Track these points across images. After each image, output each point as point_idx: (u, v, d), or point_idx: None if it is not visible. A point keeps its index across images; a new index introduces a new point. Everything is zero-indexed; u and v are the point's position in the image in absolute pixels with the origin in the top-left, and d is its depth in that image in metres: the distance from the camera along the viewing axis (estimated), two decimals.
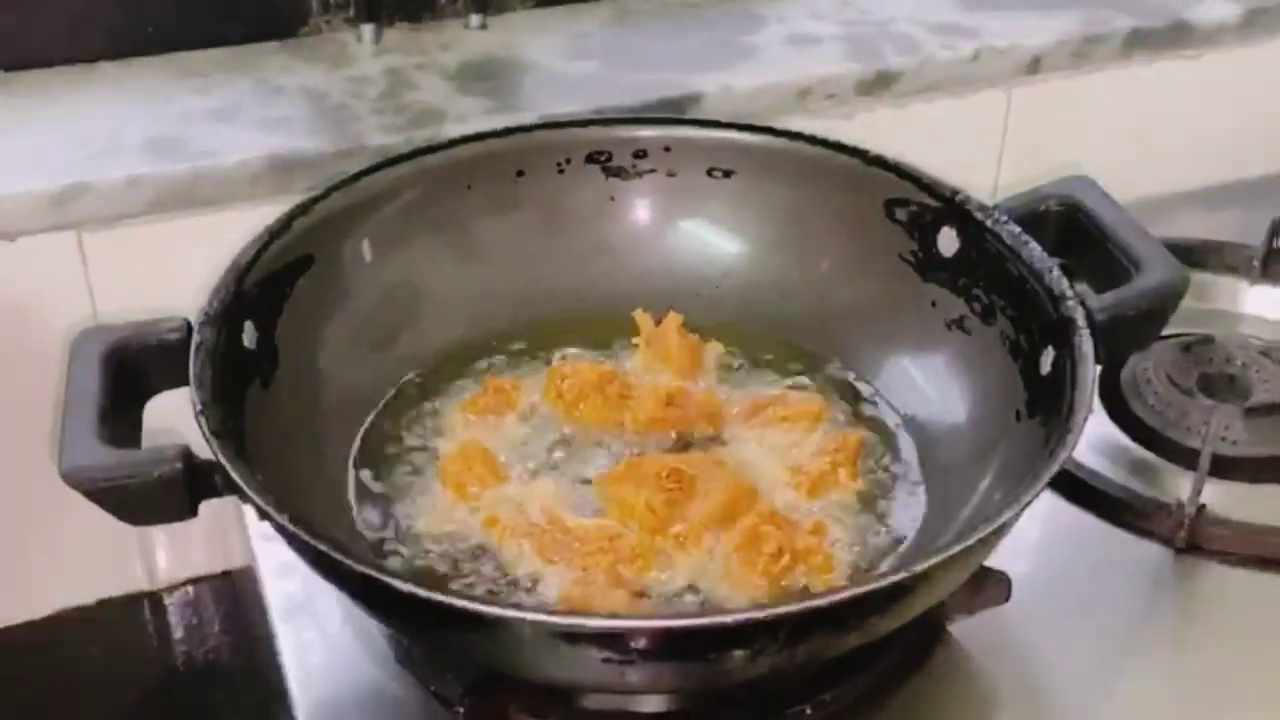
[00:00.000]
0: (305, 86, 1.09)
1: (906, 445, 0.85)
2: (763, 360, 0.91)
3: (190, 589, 1.14)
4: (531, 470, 0.83)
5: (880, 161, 0.90)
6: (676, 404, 0.84)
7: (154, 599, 1.13)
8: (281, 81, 1.09)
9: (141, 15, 1.10)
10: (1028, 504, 0.67)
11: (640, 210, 0.95)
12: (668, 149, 0.94)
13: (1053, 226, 0.86)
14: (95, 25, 1.09)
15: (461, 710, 0.73)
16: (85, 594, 1.10)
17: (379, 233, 0.89)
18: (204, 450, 0.71)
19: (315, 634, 0.82)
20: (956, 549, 0.65)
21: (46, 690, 1.08)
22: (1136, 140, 1.23)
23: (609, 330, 0.92)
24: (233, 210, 1.00)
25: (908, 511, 0.82)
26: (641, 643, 0.63)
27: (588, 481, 0.82)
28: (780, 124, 0.96)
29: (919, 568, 0.64)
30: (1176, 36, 1.21)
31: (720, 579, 0.76)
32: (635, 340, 0.91)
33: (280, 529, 0.68)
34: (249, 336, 0.80)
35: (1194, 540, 0.86)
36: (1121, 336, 0.79)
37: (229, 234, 0.85)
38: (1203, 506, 0.86)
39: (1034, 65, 1.17)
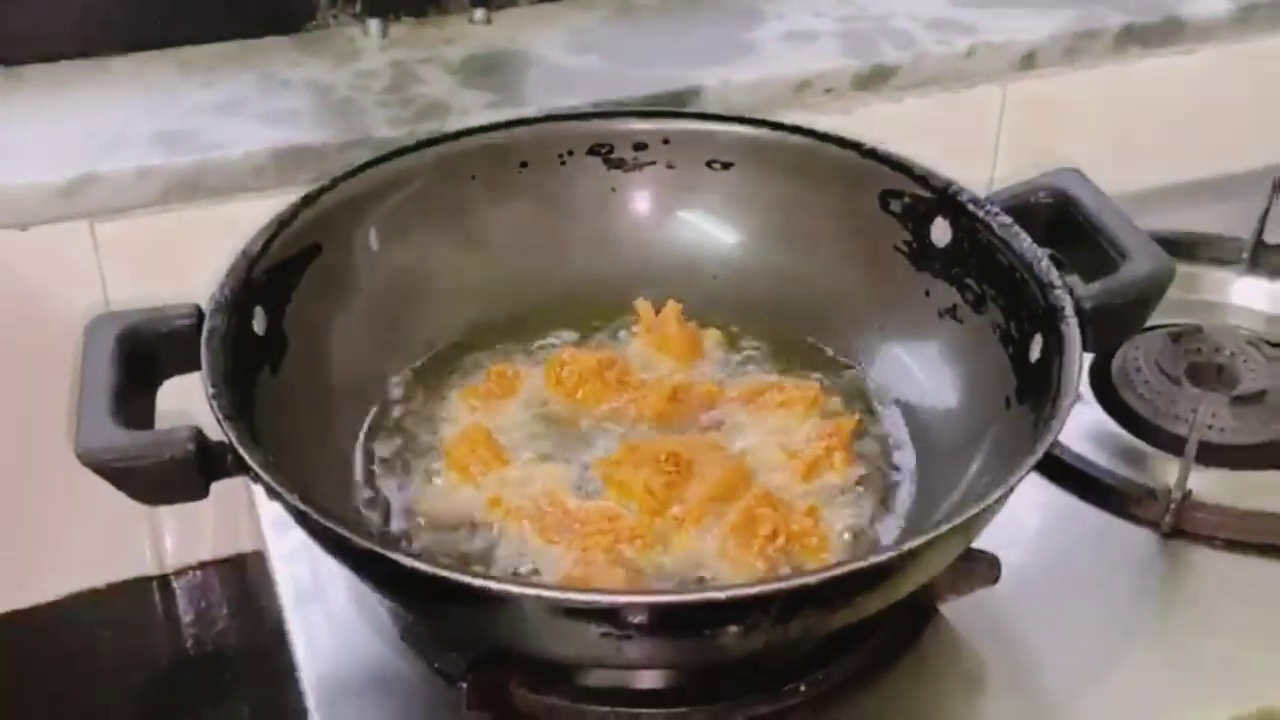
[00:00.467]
0: (311, 80, 1.10)
1: (899, 431, 0.87)
2: (759, 347, 0.93)
3: (199, 573, 1.15)
4: (532, 454, 0.85)
5: (875, 154, 0.91)
6: (680, 399, 0.86)
7: (163, 583, 1.14)
8: (288, 75, 1.11)
9: (149, 11, 1.12)
10: (1014, 486, 0.69)
11: (640, 201, 0.97)
12: (667, 141, 0.96)
13: (1043, 218, 0.88)
14: (104, 21, 1.11)
15: (464, 686, 0.74)
16: (95, 578, 1.12)
17: (385, 222, 0.91)
18: (215, 432, 0.73)
19: (323, 614, 0.84)
20: (944, 528, 0.67)
21: (56, 673, 1.09)
22: (1130, 135, 1.25)
23: (610, 318, 0.94)
24: (240, 201, 1.02)
25: (900, 494, 0.84)
26: (638, 617, 0.65)
27: (588, 466, 0.84)
28: (778, 118, 0.97)
29: (907, 546, 0.66)
30: (1169, 32, 1.22)
31: (718, 559, 0.78)
32: (635, 328, 0.93)
33: (290, 508, 0.70)
34: (259, 323, 0.82)
35: (1180, 525, 0.88)
36: (1109, 324, 0.81)
37: (236, 224, 0.87)
38: (1189, 492, 0.88)
39: (1028, 60, 1.19)
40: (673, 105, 1.09)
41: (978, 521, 0.70)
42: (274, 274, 0.84)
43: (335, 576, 0.84)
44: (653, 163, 0.96)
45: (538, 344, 0.93)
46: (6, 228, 0.99)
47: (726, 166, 0.95)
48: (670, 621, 0.66)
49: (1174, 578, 0.88)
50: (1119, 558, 0.88)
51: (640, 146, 0.96)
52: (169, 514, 1.10)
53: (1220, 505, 0.88)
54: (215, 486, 0.75)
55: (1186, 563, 0.88)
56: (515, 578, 0.75)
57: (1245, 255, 1.10)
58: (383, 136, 1.04)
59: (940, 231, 0.89)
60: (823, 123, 0.96)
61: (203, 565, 1.15)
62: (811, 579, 0.65)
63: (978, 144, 1.22)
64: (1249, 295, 1.09)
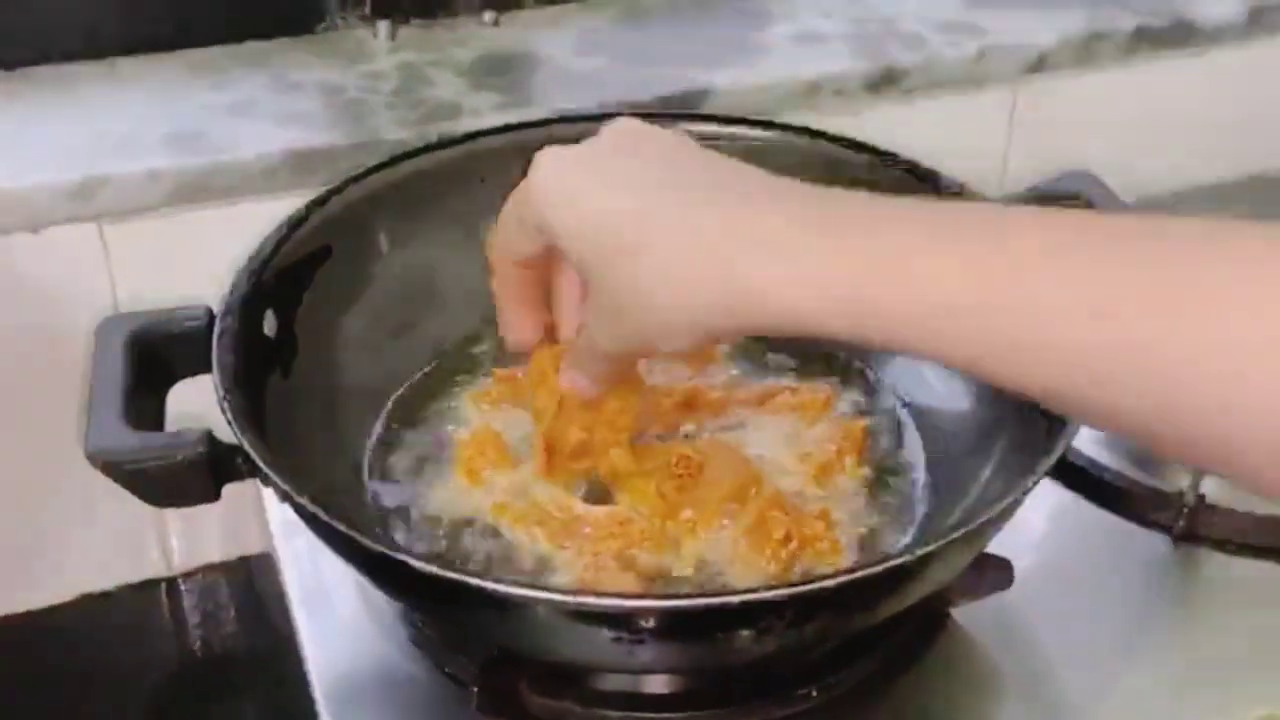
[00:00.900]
0: (321, 82, 1.10)
1: (911, 434, 0.87)
2: (770, 350, 0.92)
3: (206, 575, 1.15)
4: None
5: (886, 156, 0.91)
6: (692, 405, 0.86)
7: (170, 585, 1.15)
8: (298, 77, 1.11)
9: (159, 12, 1.12)
10: (1028, 491, 0.69)
11: None
12: None
13: None
14: (114, 22, 1.11)
15: (475, 690, 0.74)
16: (103, 580, 1.12)
17: (395, 224, 0.91)
18: (226, 434, 0.73)
19: (332, 617, 0.84)
20: (958, 533, 0.67)
21: (63, 675, 1.09)
22: (1141, 138, 1.25)
23: None
24: (250, 202, 1.02)
25: (912, 498, 0.83)
26: (650, 622, 0.64)
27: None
28: (787, 120, 0.97)
29: (921, 551, 0.66)
30: (1181, 35, 1.22)
31: (730, 563, 0.77)
32: None
33: (300, 510, 0.70)
34: (269, 325, 0.82)
35: (1193, 529, 0.88)
36: None
37: (246, 225, 0.87)
38: (1202, 496, 0.88)
39: (1039, 63, 1.19)
40: (682, 107, 1.09)
41: (991, 526, 0.70)
42: (284, 276, 0.84)
43: (344, 579, 0.84)
44: None
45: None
46: (16, 230, 0.99)
47: None
48: (683, 626, 0.66)
49: (1187, 582, 0.88)
50: (1131, 562, 0.88)
51: None
52: (176, 516, 1.10)
53: (1233, 509, 0.88)
54: (223, 489, 0.75)
55: (1199, 567, 0.88)
56: (527, 581, 0.74)
57: None
58: (392, 138, 1.04)
59: None
60: (832, 125, 0.96)
61: (210, 567, 1.15)
62: (826, 583, 0.65)
63: (988, 147, 1.22)
64: None
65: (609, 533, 0.77)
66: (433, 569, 0.65)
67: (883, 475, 0.84)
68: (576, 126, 0.95)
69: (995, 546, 0.75)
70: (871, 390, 0.90)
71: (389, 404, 0.88)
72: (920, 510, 0.82)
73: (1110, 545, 0.89)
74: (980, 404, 0.85)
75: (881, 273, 0.57)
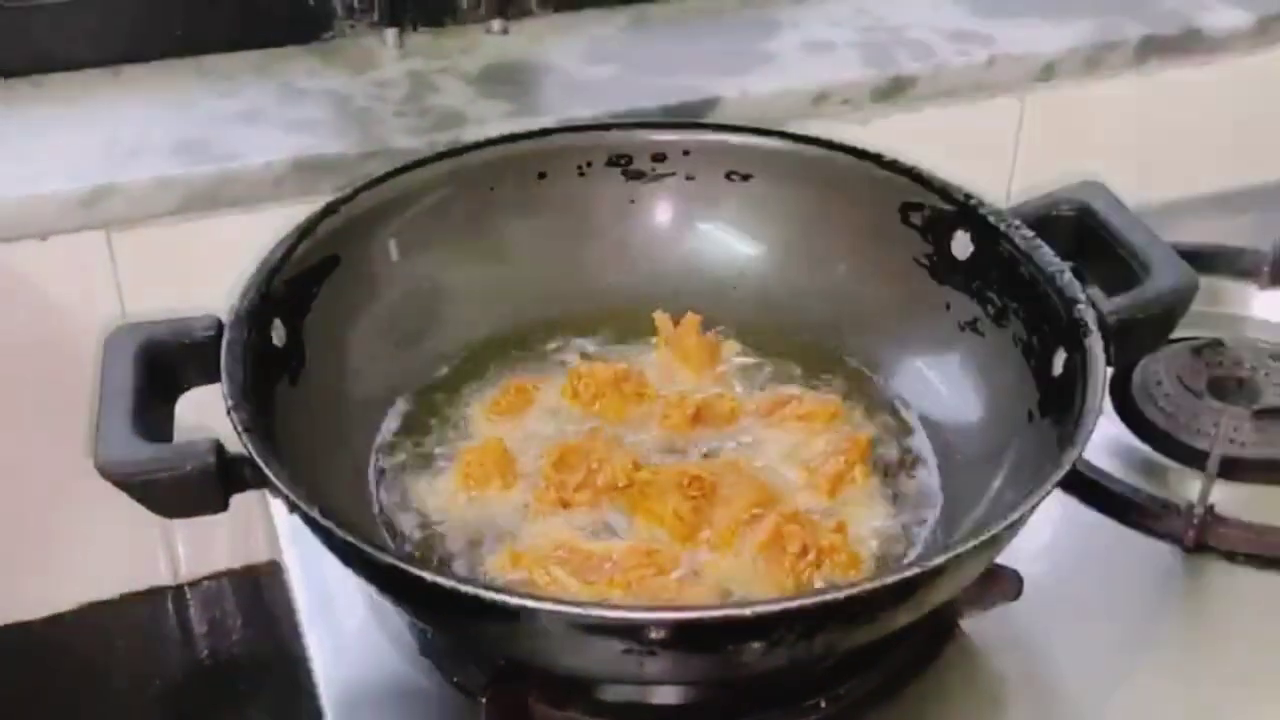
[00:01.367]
0: (330, 90, 1.10)
1: (922, 444, 0.87)
2: (779, 360, 0.92)
3: (213, 583, 1.15)
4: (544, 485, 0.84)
5: (895, 166, 0.91)
6: (703, 419, 0.86)
7: (177, 593, 1.14)
8: (306, 85, 1.11)
9: (168, 19, 1.12)
10: (1038, 502, 0.69)
11: (659, 212, 0.96)
12: (687, 152, 0.95)
13: (1065, 230, 0.87)
14: (122, 29, 1.11)
15: (484, 701, 0.74)
16: (110, 588, 1.12)
17: (404, 233, 0.91)
18: (235, 444, 0.73)
19: (340, 627, 0.83)
20: (969, 545, 0.67)
21: (70, 683, 1.09)
22: (1148, 146, 1.25)
23: (628, 330, 0.94)
24: (258, 211, 1.02)
25: (923, 509, 0.83)
26: (660, 634, 0.64)
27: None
28: (796, 129, 0.97)
29: (932, 563, 0.66)
30: (1189, 44, 1.22)
31: (750, 579, 0.77)
32: (654, 340, 0.93)
33: (309, 521, 0.70)
34: (278, 335, 0.82)
35: (1203, 540, 0.87)
36: (1132, 339, 0.81)
37: (255, 234, 0.87)
38: (1211, 507, 0.87)
39: (1047, 72, 1.19)
40: (691, 116, 1.09)
41: (1002, 538, 0.70)
42: (293, 285, 0.84)
43: (352, 589, 0.84)
44: (672, 174, 0.96)
45: (555, 356, 0.93)
46: (26, 238, 0.99)
47: (746, 178, 0.95)
48: (693, 638, 0.66)
49: (1196, 593, 0.87)
50: (1141, 573, 0.88)
51: (659, 158, 0.95)
52: (183, 524, 1.10)
53: (1243, 521, 0.88)
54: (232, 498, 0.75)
55: (1209, 578, 0.87)
56: (537, 593, 0.74)
57: (1267, 268, 1.09)
58: (401, 146, 1.04)
59: (961, 244, 0.88)
60: (841, 134, 0.96)
61: (217, 575, 1.15)
62: (836, 595, 0.65)
63: (996, 156, 1.22)
64: (1271, 309, 1.09)
65: (637, 563, 0.76)
66: (443, 581, 0.65)
67: (893, 485, 0.84)
68: (586, 136, 0.96)
69: (1004, 558, 0.75)
70: (880, 399, 0.90)
71: (397, 413, 0.88)
72: (932, 520, 0.82)
73: (1120, 556, 0.88)
74: (990, 413, 0.85)
75: None
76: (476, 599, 0.64)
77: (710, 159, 0.95)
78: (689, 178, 0.96)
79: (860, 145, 0.93)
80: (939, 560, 0.66)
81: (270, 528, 0.92)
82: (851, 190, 0.93)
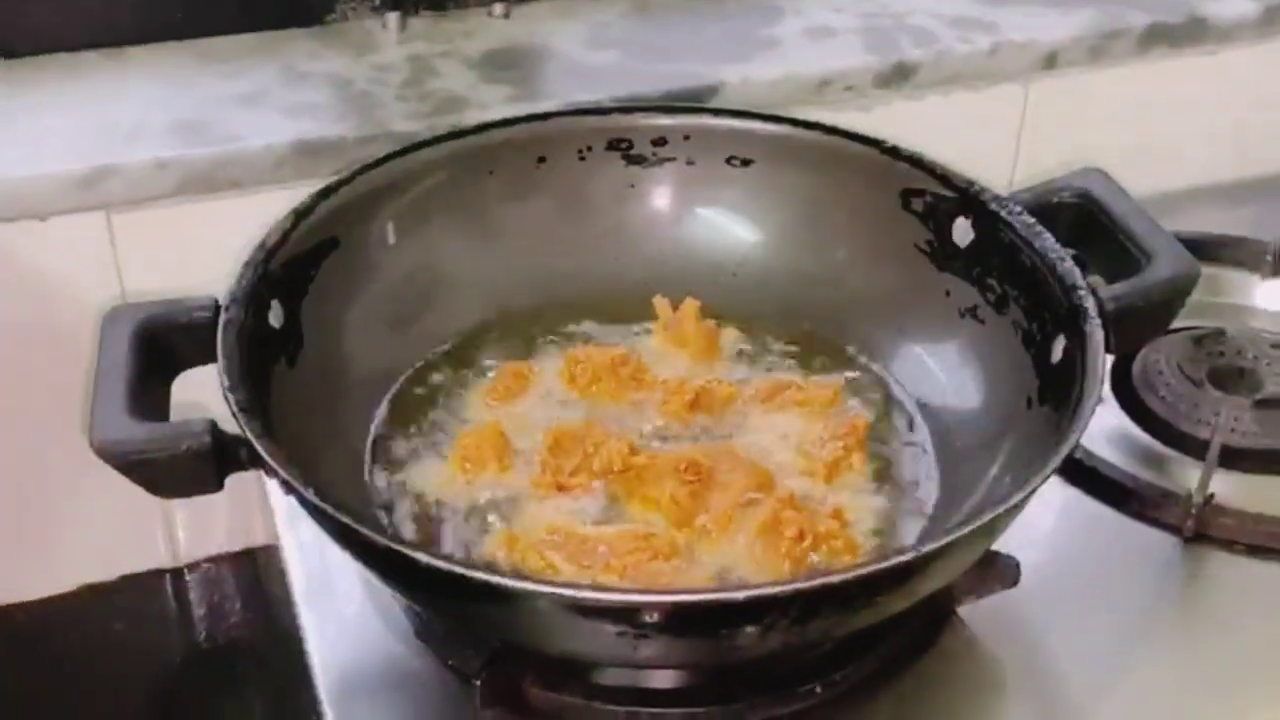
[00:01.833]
0: (330, 73, 1.10)
1: (920, 431, 0.86)
2: (778, 346, 0.92)
3: (211, 565, 1.15)
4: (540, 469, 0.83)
5: (896, 152, 0.91)
6: (702, 405, 0.86)
7: (176, 575, 1.14)
8: (307, 68, 1.11)
9: (168, 1, 1.12)
10: (1035, 489, 0.69)
11: (660, 197, 0.96)
12: (687, 137, 0.95)
13: (1066, 218, 0.87)
14: (123, 11, 1.11)
15: (479, 684, 0.74)
16: (108, 570, 1.12)
17: (403, 216, 0.91)
18: (231, 425, 0.73)
19: (336, 610, 0.83)
20: (964, 531, 0.66)
21: (67, 664, 1.09)
22: (1152, 135, 1.24)
23: (627, 314, 0.93)
24: (258, 193, 1.02)
25: (921, 494, 0.83)
26: (655, 617, 0.64)
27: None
28: (798, 115, 0.97)
29: (927, 548, 0.66)
30: (1193, 32, 1.22)
31: (747, 564, 0.77)
32: (652, 325, 0.92)
33: (304, 502, 0.69)
34: (275, 316, 0.82)
35: (1202, 529, 0.87)
36: (1132, 327, 0.80)
37: (254, 216, 0.87)
38: (1211, 496, 0.87)
39: (1051, 60, 1.18)
40: (692, 102, 1.08)
41: (999, 524, 0.69)
42: (291, 267, 0.84)
43: (348, 572, 0.84)
44: (672, 159, 0.95)
45: (553, 340, 0.92)
46: (25, 218, 0.99)
47: (746, 164, 0.95)
48: (687, 621, 0.66)
49: (1195, 583, 0.87)
50: (1139, 562, 0.87)
51: (660, 142, 0.95)
52: (182, 506, 1.10)
53: (1243, 510, 0.87)
54: (228, 480, 0.75)
55: (1208, 568, 0.87)
56: (532, 576, 0.74)
57: (1269, 258, 1.09)
58: (401, 130, 1.03)
59: (962, 231, 0.88)
60: (843, 120, 0.95)
61: (215, 558, 1.15)
62: (831, 579, 0.65)
63: (999, 143, 1.21)
64: (1273, 298, 1.08)
65: (633, 547, 0.76)
66: (438, 563, 0.65)
67: (891, 471, 0.84)
68: (586, 120, 0.95)
69: (1002, 545, 0.75)
70: (879, 386, 0.90)
71: (394, 395, 0.88)
72: (930, 506, 0.82)
73: (1118, 545, 0.88)
74: (989, 400, 0.85)
75: None
76: (470, 581, 0.64)
77: (711, 144, 0.95)
78: (689, 162, 0.95)
79: (862, 132, 0.93)
80: (935, 545, 0.66)
81: (267, 510, 0.91)
82: (853, 176, 0.92)
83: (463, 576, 0.64)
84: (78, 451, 0.77)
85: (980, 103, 1.18)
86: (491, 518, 0.81)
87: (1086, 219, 0.87)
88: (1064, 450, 0.70)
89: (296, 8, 1.15)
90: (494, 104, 1.07)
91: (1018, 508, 0.69)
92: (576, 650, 0.70)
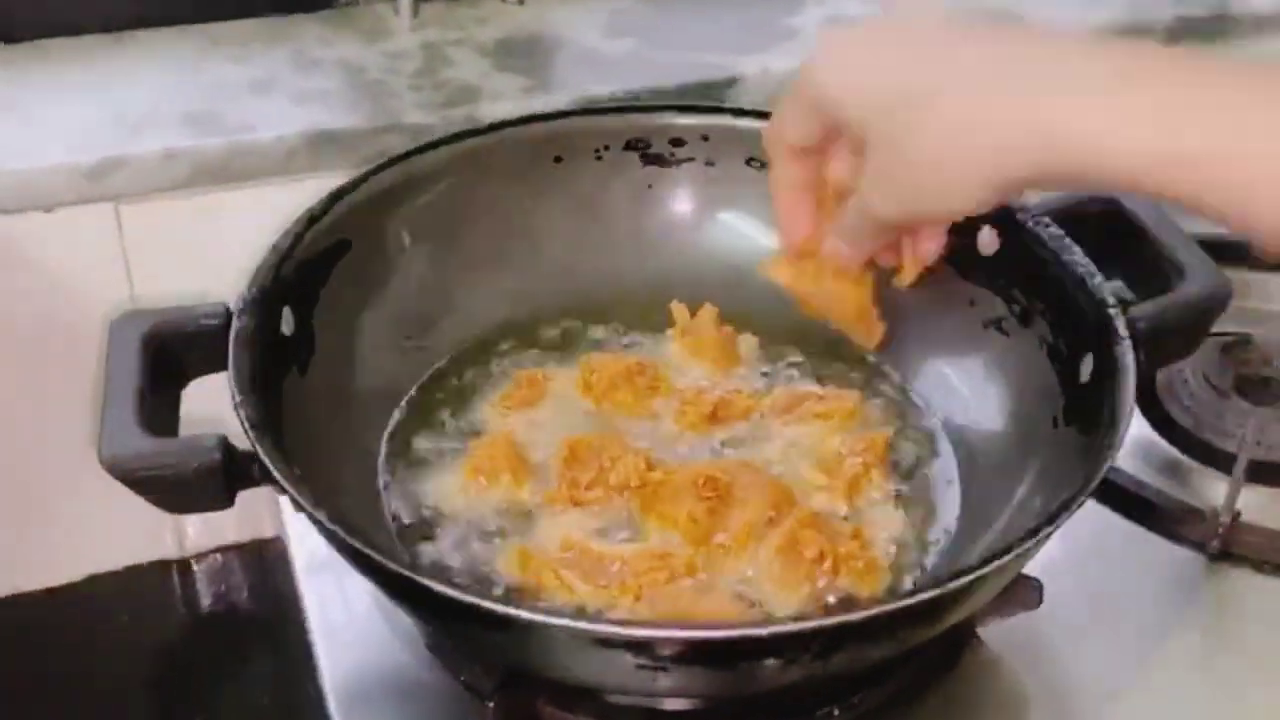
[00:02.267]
0: (342, 60, 1.08)
1: (943, 446, 0.85)
2: (798, 354, 0.90)
3: (219, 556, 1.14)
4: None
5: None
6: (720, 417, 0.84)
7: (183, 566, 1.13)
8: (318, 54, 1.09)
9: None
10: (1062, 522, 0.67)
11: (678, 200, 0.94)
12: (706, 138, 0.93)
13: (1092, 227, 0.85)
14: None
15: (491, 706, 0.73)
16: (115, 560, 1.11)
17: (417, 217, 0.89)
18: (241, 436, 0.71)
19: (346, 617, 0.82)
20: (991, 566, 0.65)
21: (73, 654, 1.09)
22: None
23: (644, 320, 0.91)
24: (269, 185, 1.01)
25: (944, 514, 0.81)
26: (677, 651, 0.63)
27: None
28: None
29: (954, 585, 0.64)
30: (1221, 26, 1.20)
31: (766, 585, 0.75)
32: (669, 331, 0.91)
33: (315, 522, 0.68)
34: (287, 323, 0.80)
35: (1228, 547, 0.86)
36: (1161, 346, 0.79)
37: (264, 208, 0.86)
38: (1238, 513, 0.85)
39: None
40: (710, 94, 1.07)
41: (1025, 555, 0.68)
42: (303, 271, 0.82)
43: (358, 578, 0.82)
44: (691, 159, 0.93)
45: (569, 346, 0.91)
46: (31, 210, 0.97)
47: (766, 165, 0.93)
48: (709, 655, 0.64)
49: (1220, 602, 0.85)
50: (1163, 579, 0.86)
51: (678, 142, 0.93)
52: None
53: (1270, 528, 0.86)
54: None
55: (1233, 586, 0.85)
56: (552, 608, 0.72)
57: None
58: (414, 122, 1.02)
59: (987, 239, 0.86)
60: None
61: (223, 549, 1.14)
62: (855, 616, 0.63)
63: None
64: None
65: (650, 567, 0.75)
66: (452, 592, 0.63)
67: (913, 488, 0.82)
68: (603, 119, 0.93)
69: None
70: (901, 399, 0.88)
71: (406, 401, 0.86)
72: (953, 525, 0.80)
73: (1142, 562, 0.86)
74: (1014, 417, 0.83)
75: (1213, 115, 0.56)
76: (486, 611, 0.63)
77: (730, 144, 0.93)
78: (709, 163, 0.93)
79: None
80: (961, 581, 0.64)
81: (276, 510, 0.90)
82: None
83: (478, 607, 0.63)
84: (84, 442, 0.75)
85: None
86: (505, 532, 0.79)
87: (1114, 228, 0.85)
88: (1094, 481, 0.69)
89: None
90: (508, 95, 1.05)
91: (1045, 539, 0.67)
92: (595, 680, 0.69)
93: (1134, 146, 0.57)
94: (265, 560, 1.13)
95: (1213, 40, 1.20)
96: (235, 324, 0.76)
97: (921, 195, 0.65)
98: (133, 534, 1.10)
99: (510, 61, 1.09)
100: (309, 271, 0.83)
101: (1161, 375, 0.97)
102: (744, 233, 0.93)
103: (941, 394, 0.87)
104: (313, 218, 0.83)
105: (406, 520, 0.80)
